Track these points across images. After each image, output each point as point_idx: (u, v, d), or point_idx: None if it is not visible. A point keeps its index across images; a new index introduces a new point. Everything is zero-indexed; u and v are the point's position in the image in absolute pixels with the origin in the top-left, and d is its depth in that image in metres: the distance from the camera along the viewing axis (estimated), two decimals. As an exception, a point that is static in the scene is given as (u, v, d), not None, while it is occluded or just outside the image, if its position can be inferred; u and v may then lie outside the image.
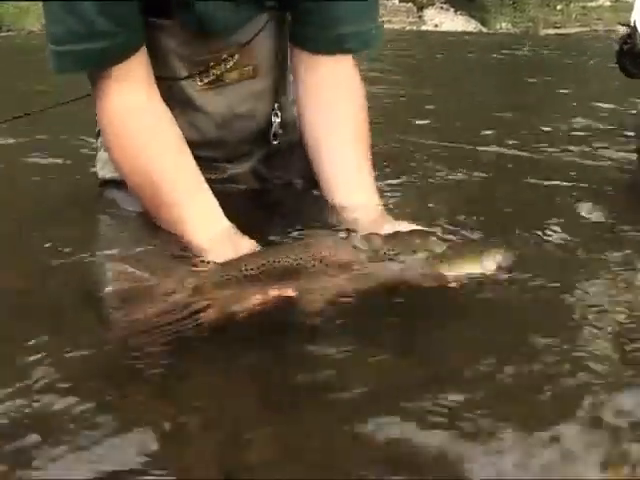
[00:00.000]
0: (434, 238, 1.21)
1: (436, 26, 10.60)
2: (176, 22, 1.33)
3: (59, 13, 1.23)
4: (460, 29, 10.39)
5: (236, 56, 1.41)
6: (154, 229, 1.33)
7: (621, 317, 1.22)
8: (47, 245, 1.47)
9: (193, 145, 1.36)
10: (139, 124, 1.30)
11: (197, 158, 1.34)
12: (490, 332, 1.17)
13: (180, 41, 1.36)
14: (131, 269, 1.14)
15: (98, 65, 1.28)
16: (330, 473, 0.87)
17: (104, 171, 1.59)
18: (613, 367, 1.07)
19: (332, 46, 1.41)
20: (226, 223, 1.28)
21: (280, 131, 1.51)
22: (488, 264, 1.18)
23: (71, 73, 1.30)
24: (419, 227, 1.27)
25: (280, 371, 1.08)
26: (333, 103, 1.43)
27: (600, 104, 3.27)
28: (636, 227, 1.65)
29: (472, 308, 1.23)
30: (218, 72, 1.41)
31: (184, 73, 1.40)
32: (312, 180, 1.45)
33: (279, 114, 1.51)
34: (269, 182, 1.63)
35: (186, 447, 0.92)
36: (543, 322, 1.21)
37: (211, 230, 1.26)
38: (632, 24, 1.95)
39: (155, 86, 1.33)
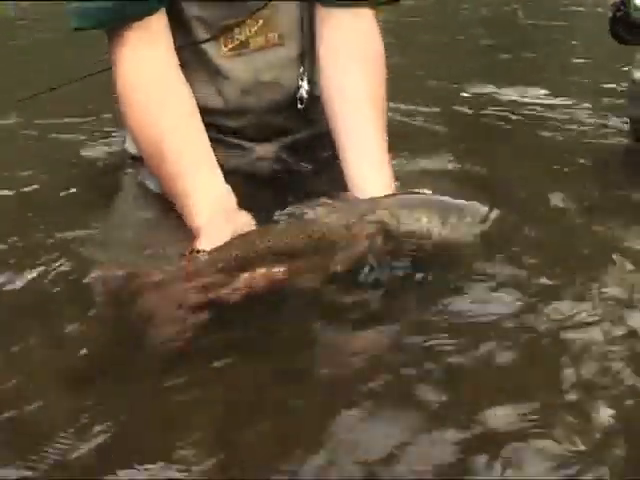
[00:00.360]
0: (428, 205, 1.22)
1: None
2: None
3: None
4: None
5: (260, 21, 1.41)
6: (168, 207, 1.34)
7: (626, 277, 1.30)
8: (53, 225, 1.52)
9: (216, 114, 1.37)
10: (151, 82, 1.32)
11: (220, 132, 1.34)
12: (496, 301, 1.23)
13: (202, 6, 1.37)
14: (117, 255, 1.15)
15: (118, 20, 1.29)
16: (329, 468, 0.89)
17: (131, 146, 1.60)
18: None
19: None
20: (228, 199, 1.30)
21: (306, 96, 1.50)
22: (482, 228, 1.22)
23: (92, 29, 1.32)
24: (420, 192, 1.29)
25: (274, 358, 1.09)
26: (350, 62, 1.42)
27: (594, 62, 3.25)
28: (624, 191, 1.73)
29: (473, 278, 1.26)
30: (242, 37, 1.42)
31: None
32: (337, 166, 1.45)
33: (305, 78, 1.49)
34: (291, 168, 1.61)
35: (183, 440, 0.94)
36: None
37: (212, 205, 1.27)
38: (626, -11, 1.95)
39: (173, 48, 1.34)
